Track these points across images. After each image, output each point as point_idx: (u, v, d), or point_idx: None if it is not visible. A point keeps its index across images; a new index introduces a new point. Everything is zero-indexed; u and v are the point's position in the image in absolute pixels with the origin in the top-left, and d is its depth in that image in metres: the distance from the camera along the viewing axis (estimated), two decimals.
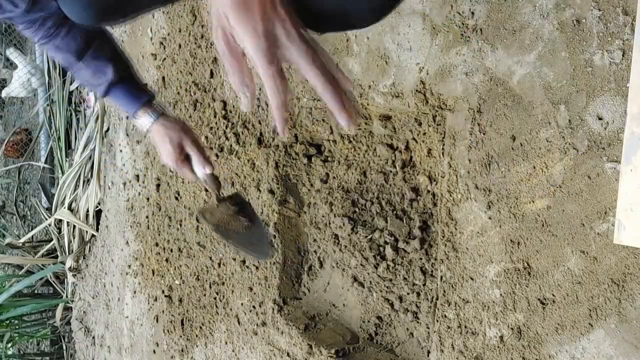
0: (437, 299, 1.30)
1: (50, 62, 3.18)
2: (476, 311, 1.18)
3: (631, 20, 0.95)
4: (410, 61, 1.30)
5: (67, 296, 3.16)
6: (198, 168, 1.24)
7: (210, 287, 1.96)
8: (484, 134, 1.17)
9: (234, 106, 1.84)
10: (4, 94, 3.53)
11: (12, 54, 3.38)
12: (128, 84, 1.25)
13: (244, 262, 1.82)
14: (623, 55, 0.96)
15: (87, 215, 2.84)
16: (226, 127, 1.88)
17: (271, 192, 1.72)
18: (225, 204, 1.30)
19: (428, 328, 1.38)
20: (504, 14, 1.12)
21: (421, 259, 1.41)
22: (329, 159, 1.64)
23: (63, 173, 3.11)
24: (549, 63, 1.05)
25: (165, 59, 2.14)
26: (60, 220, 3.03)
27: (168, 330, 2.16)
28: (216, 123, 1.92)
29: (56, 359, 3.36)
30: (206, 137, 1.96)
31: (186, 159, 1.24)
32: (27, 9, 1.07)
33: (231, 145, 1.86)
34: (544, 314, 1.07)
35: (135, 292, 2.40)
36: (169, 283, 2.16)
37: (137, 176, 2.38)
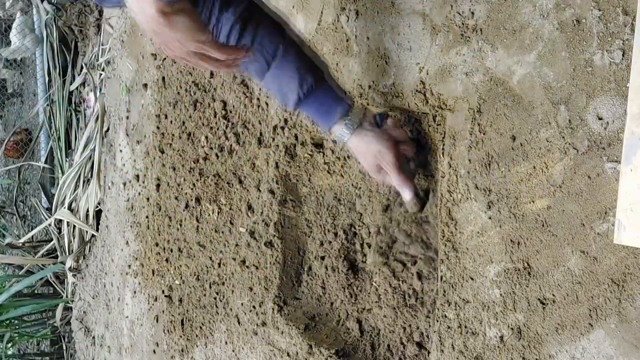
0: (437, 299, 1.30)
1: (50, 62, 3.18)
2: (476, 311, 1.18)
3: (631, 20, 0.95)
4: (410, 61, 1.30)
5: (67, 296, 3.16)
6: (403, 192, 1.18)
7: (210, 287, 1.96)
8: (484, 134, 1.17)
9: (234, 106, 1.84)
10: (5, 54, 3.50)
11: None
12: (317, 97, 1.12)
13: (243, 262, 1.82)
14: (623, 55, 0.96)
15: (87, 215, 2.84)
16: (226, 127, 1.88)
17: (271, 192, 1.72)
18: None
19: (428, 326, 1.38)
20: (504, 14, 1.12)
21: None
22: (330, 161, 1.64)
23: (63, 173, 3.11)
24: (549, 63, 1.06)
25: (165, 58, 2.14)
26: (60, 220, 3.03)
27: (168, 330, 2.16)
28: (216, 123, 1.92)
29: (56, 359, 3.36)
30: (206, 137, 1.96)
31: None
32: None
33: (231, 145, 1.86)
34: (544, 314, 1.07)
35: (135, 292, 2.40)
36: (169, 283, 2.16)
37: (137, 176, 2.38)
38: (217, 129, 1.91)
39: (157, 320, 2.24)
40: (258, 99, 1.74)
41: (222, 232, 1.91)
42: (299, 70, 1.09)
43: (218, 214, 1.92)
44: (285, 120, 1.66)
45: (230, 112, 1.88)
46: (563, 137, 1.04)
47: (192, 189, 2.02)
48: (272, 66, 1.09)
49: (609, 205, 0.98)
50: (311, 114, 1.16)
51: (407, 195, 1.20)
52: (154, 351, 2.27)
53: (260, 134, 1.76)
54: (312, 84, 1.10)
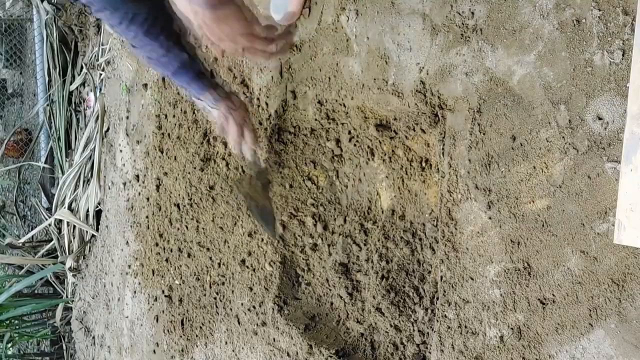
0: (437, 299, 1.30)
1: (50, 62, 3.18)
2: (476, 311, 1.18)
3: (631, 20, 0.95)
4: (410, 61, 1.30)
5: (67, 296, 3.16)
6: (248, 149, 1.45)
7: (210, 287, 1.96)
8: (484, 134, 1.16)
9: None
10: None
11: None
12: (194, 69, 1.34)
13: (243, 262, 1.82)
14: (623, 55, 0.96)
15: (87, 215, 2.84)
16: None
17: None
18: (254, 178, 1.58)
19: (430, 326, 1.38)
20: (504, 14, 1.12)
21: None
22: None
23: (63, 173, 3.11)
24: (549, 63, 1.05)
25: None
26: (60, 220, 3.03)
27: (168, 330, 2.16)
28: (215, 123, 1.92)
29: (56, 359, 3.36)
30: (204, 134, 1.96)
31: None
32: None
33: (230, 153, 1.86)
34: (544, 314, 1.07)
35: (135, 292, 2.40)
36: (169, 283, 2.16)
37: (137, 176, 2.38)
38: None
39: (157, 320, 2.24)
40: (258, 98, 1.74)
41: (223, 232, 1.91)
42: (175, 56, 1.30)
43: (221, 217, 1.92)
44: (284, 120, 1.66)
45: None
46: (563, 137, 1.04)
47: (192, 189, 2.02)
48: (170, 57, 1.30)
49: (609, 205, 0.98)
50: (187, 85, 1.38)
51: (250, 150, 1.47)
52: (154, 351, 2.26)
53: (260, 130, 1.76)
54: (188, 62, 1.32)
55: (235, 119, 1.40)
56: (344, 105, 1.51)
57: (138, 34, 1.22)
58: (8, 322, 3.21)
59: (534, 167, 1.08)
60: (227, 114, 1.39)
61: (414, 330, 1.42)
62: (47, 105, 3.25)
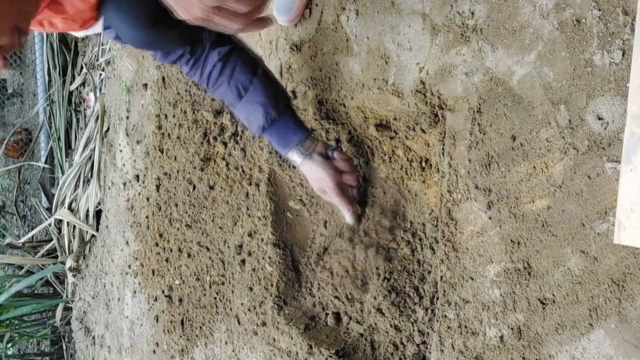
0: (437, 299, 1.30)
1: (50, 62, 3.18)
2: (476, 311, 1.18)
3: (631, 20, 0.95)
4: (410, 61, 1.30)
5: (67, 296, 3.16)
6: (343, 212, 1.41)
7: (210, 287, 1.96)
8: (484, 134, 1.17)
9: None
10: None
11: None
12: (278, 127, 1.32)
13: (243, 262, 1.82)
14: (623, 55, 0.96)
15: (87, 215, 2.85)
16: (224, 127, 1.88)
17: (269, 189, 1.72)
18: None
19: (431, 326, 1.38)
20: (504, 14, 1.12)
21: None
22: None
23: (63, 173, 3.11)
24: (549, 63, 1.06)
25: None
26: (60, 220, 3.03)
27: (168, 330, 2.16)
28: (215, 123, 1.92)
29: (56, 359, 3.37)
30: (204, 134, 1.96)
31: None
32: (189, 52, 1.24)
33: (230, 153, 1.86)
34: (544, 314, 1.07)
35: (135, 292, 2.40)
36: (169, 283, 2.16)
37: (137, 176, 2.38)
38: (216, 128, 1.91)
39: (157, 320, 2.24)
40: None
41: (223, 232, 1.91)
42: (264, 104, 1.30)
43: (221, 217, 1.92)
44: None
45: (231, 112, 1.88)
46: (563, 137, 1.04)
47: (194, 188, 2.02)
48: (244, 98, 1.30)
49: (609, 205, 0.98)
50: (271, 141, 1.37)
51: (346, 214, 1.43)
52: (154, 351, 2.27)
53: None
54: (275, 116, 1.31)
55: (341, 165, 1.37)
56: (344, 105, 1.51)
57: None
58: (8, 322, 3.21)
59: (534, 167, 1.08)
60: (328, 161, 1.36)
61: (414, 330, 1.42)
62: (47, 105, 3.25)
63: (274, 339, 1.68)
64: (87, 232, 2.89)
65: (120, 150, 2.54)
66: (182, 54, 1.29)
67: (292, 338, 1.62)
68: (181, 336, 2.09)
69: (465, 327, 1.19)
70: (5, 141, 3.63)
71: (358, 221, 1.49)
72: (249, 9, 0.95)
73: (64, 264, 2.97)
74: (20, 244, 3.17)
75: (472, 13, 1.17)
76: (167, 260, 2.17)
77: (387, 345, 1.48)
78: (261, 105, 1.29)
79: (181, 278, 2.09)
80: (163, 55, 1.30)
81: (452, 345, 1.21)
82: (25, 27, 0.85)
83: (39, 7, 0.92)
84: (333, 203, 1.43)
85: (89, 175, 2.83)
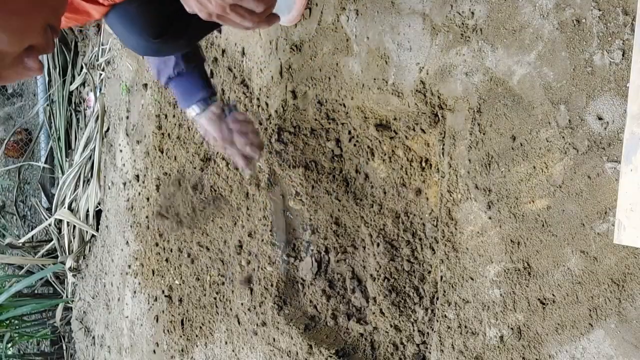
0: (437, 299, 1.30)
1: (50, 62, 3.18)
2: (476, 311, 1.18)
3: (631, 20, 0.95)
4: (410, 61, 1.30)
5: (67, 296, 3.16)
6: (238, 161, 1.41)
7: (210, 287, 1.96)
8: (484, 134, 1.16)
9: (234, 106, 1.84)
10: None
11: None
12: (184, 80, 1.34)
13: (243, 261, 1.82)
14: (623, 55, 0.96)
15: (87, 215, 2.84)
16: None
17: (269, 189, 1.72)
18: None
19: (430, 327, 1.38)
20: (504, 14, 1.12)
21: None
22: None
23: (63, 173, 3.11)
24: (549, 63, 1.05)
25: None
26: (60, 220, 3.03)
27: (168, 330, 2.16)
28: None
29: (56, 359, 3.36)
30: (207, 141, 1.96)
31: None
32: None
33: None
34: (544, 314, 1.07)
35: (135, 292, 2.40)
36: (169, 283, 2.16)
37: (137, 176, 2.38)
38: None
39: (157, 320, 2.24)
40: (258, 98, 1.74)
41: (223, 232, 1.91)
42: (177, 57, 1.30)
43: (221, 217, 1.92)
44: (284, 120, 1.66)
45: None
46: (563, 137, 1.04)
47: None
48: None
49: (609, 205, 0.98)
50: (175, 93, 1.38)
51: (239, 164, 1.42)
52: (154, 351, 2.26)
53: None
54: (182, 69, 1.32)
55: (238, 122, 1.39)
56: (344, 105, 1.51)
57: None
58: (8, 322, 3.21)
59: (534, 167, 1.08)
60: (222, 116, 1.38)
61: (414, 330, 1.42)
62: (47, 105, 3.25)
63: (274, 339, 1.68)
64: (87, 232, 2.89)
65: (120, 150, 2.54)
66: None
67: (292, 338, 1.62)
68: (181, 336, 2.09)
69: (465, 327, 1.19)
70: (5, 141, 3.63)
71: (253, 170, 1.54)
72: (264, 8, 0.96)
73: (64, 264, 2.97)
74: (20, 244, 3.16)
75: (472, 13, 1.17)
76: (167, 260, 2.17)
77: (387, 345, 1.48)
78: (174, 57, 1.31)
79: (181, 278, 2.09)
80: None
81: (452, 345, 1.21)
82: (57, 24, 0.82)
83: (67, 3, 0.89)
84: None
85: (89, 175, 2.83)
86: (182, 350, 2.08)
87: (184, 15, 0.99)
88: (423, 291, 1.43)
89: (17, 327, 3.31)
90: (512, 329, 1.12)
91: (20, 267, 3.30)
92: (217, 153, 1.92)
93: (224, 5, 0.92)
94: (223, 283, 1.90)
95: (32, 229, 3.35)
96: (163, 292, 2.19)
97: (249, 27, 0.98)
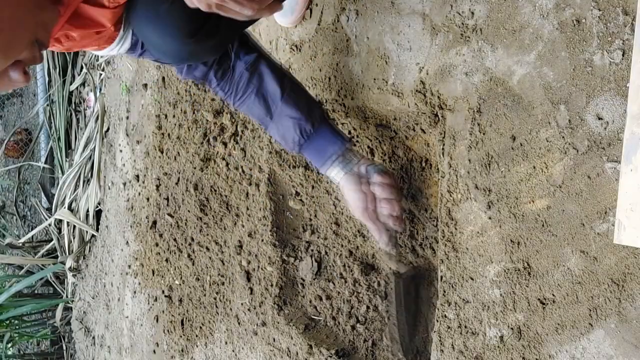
0: (437, 299, 1.30)
1: (50, 62, 3.18)
2: (476, 311, 1.18)
3: (631, 20, 0.95)
4: (410, 61, 1.30)
5: (67, 296, 3.16)
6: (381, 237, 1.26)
7: (210, 287, 1.96)
8: (484, 134, 1.17)
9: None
10: None
11: None
12: (315, 141, 1.23)
13: (243, 262, 1.82)
14: (623, 55, 0.96)
15: (87, 215, 2.84)
16: (224, 127, 1.88)
17: (269, 189, 1.72)
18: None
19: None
20: (504, 14, 1.12)
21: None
22: None
23: (63, 173, 3.11)
24: (549, 63, 1.06)
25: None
26: (60, 220, 3.03)
27: (168, 330, 2.16)
28: (215, 123, 1.92)
29: (56, 359, 3.36)
30: (204, 134, 1.96)
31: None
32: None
33: (230, 152, 1.86)
34: (544, 314, 1.07)
35: (135, 292, 2.40)
36: (169, 283, 2.16)
37: (137, 176, 2.38)
38: (216, 127, 1.91)
39: (157, 320, 2.24)
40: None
41: (223, 232, 1.91)
42: (297, 117, 1.21)
43: (221, 218, 1.92)
44: None
45: (230, 112, 1.88)
46: (563, 137, 1.04)
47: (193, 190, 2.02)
48: (275, 113, 1.21)
49: (609, 205, 0.98)
50: (309, 158, 1.27)
51: (381, 241, 1.29)
52: (154, 351, 2.27)
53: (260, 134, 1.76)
54: (310, 130, 1.22)
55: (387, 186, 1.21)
56: (344, 105, 1.51)
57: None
58: (8, 322, 3.21)
59: (534, 167, 1.08)
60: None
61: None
62: (47, 105, 3.25)
63: (274, 339, 1.68)
64: (87, 232, 2.89)
65: (120, 150, 2.54)
66: (209, 67, 1.20)
67: (292, 338, 1.62)
68: (181, 336, 2.09)
69: (465, 327, 1.19)
70: (5, 141, 3.63)
71: (394, 248, 1.32)
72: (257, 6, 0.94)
73: (64, 264, 2.97)
74: (20, 244, 3.16)
75: (472, 13, 1.17)
76: (167, 260, 2.17)
77: (388, 345, 1.48)
78: (294, 119, 1.21)
79: (181, 278, 2.09)
80: (188, 70, 1.21)
81: (452, 345, 1.21)
82: (46, 39, 0.81)
83: (58, 18, 0.87)
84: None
85: (89, 175, 2.83)
86: (182, 351, 2.08)
87: (213, 13, 0.95)
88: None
89: (17, 327, 3.31)
90: (512, 329, 1.12)
91: (20, 267, 3.30)
92: (217, 153, 1.92)
93: None
94: (223, 283, 1.90)
95: (32, 229, 3.35)
96: (163, 292, 2.19)
97: (250, 15, 0.95)
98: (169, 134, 2.16)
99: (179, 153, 2.09)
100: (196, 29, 1.06)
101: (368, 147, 1.53)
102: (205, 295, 1.98)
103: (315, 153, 1.24)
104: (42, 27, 0.79)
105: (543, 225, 1.07)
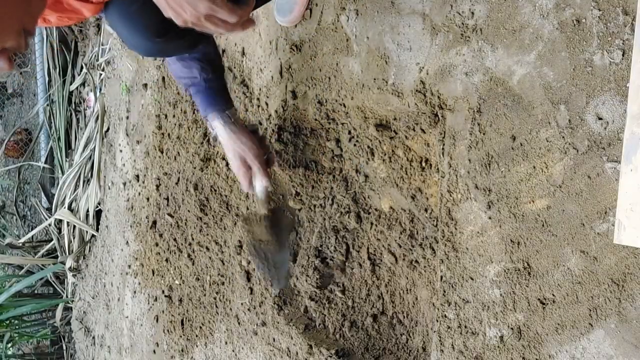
0: (437, 298, 1.30)
1: (50, 62, 3.18)
2: (476, 311, 1.18)
3: (631, 20, 0.95)
4: (410, 61, 1.30)
5: (67, 296, 3.16)
6: (256, 182, 1.39)
7: (210, 287, 1.96)
8: (484, 134, 1.17)
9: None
10: None
11: None
12: (210, 90, 1.33)
13: (243, 262, 1.82)
14: (623, 55, 0.96)
15: (87, 215, 2.84)
16: None
17: (270, 190, 1.72)
18: (267, 219, 1.48)
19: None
20: (504, 14, 1.12)
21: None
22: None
23: (63, 173, 3.11)
24: (549, 63, 1.06)
25: (164, 59, 2.14)
26: (60, 220, 3.03)
27: (168, 330, 2.16)
28: None
29: (56, 359, 3.36)
30: (204, 134, 1.96)
31: (249, 170, 1.38)
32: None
33: None
34: (544, 314, 1.07)
35: (135, 292, 2.40)
36: (169, 283, 2.16)
37: (137, 176, 2.38)
38: None
39: (157, 320, 2.24)
40: (258, 99, 1.74)
41: (223, 232, 1.91)
42: (203, 63, 1.31)
43: (221, 218, 1.92)
44: (284, 120, 1.66)
45: None
46: (563, 137, 1.04)
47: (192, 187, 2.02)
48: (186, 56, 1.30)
49: (609, 205, 0.98)
50: (197, 100, 1.37)
51: (263, 184, 1.41)
52: (154, 351, 2.26)
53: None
54: (208, 76, 1.32)
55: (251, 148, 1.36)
56: (344, 105, 1.51)
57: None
58: (8, 322, 3.21)
59: (534, 167, 1.08)
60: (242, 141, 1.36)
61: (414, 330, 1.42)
62: (47, 105, 3.24)
63: (274, 339, 1.68)
64: (87, 232, 2.89)
65: (120, 150, 2.54)
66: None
67: (292, 338, 1.62)
68: (181, 336, 2.09)
69: (465, 327, 1.19)
70: (5, 141, 3.63)
71: (268, 200, 1.48)
72: (237, 20, 0.98)
73: (64, 264, 2.97)
74: (20, 244, 3.16)
75: (472, 13, 1.17)
76: (167, 260, 2.17)
77: (388, 345, 1.48)
78: (198, 63, 1.31)
79: (181, 278, 2.09)
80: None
81: (452, 345, 1.21)
82: (32, 28, 0.84)
83: (44, 8, 0.91)
84: (250, 175, 1.43)
85: (89, 175, 2.83)
86: (182, 350, 2.08)
87: None
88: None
89: (17, 327, 3.31)
90: (512, 329, 1.12)
91: (20, 267, 3.30)
92: (217, 153, 1.92)
93: (198, 15, 0.94)
94: (223, 283, 1.90)
95: (32, 229, 3.35)
96: (163, 292, 2.19)
97: (223, 33, 1.02)
98: (169, 134, 2.16)
99: (179, 153, 2.09)
100: (165, 29, 1.12)
101: (368, 147, 1.53)
102: (205, 295, 1.98)
103: (203, 99, 1.35)
104: (29, 16, 0.82)
105: (543, 225, 1.07)
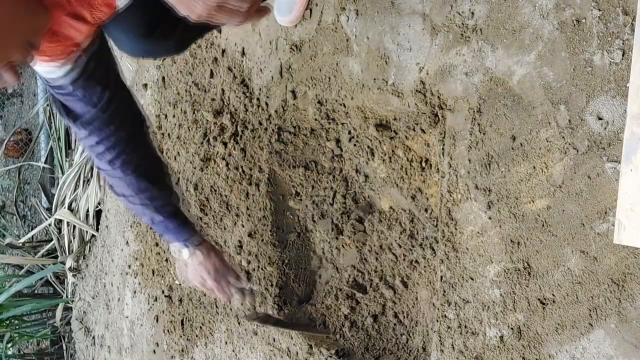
0: (437, 298, 1.30)
1: None
2: (476, 311, 1.18)
3: (631, 20, 0.95)
4: (410, 61, 1.30)
5: (67, 296, 3.16)
6: (237, 292, 1.40)
7: None
8: (484, 134, 1.17)
9: (234, 106, 1.84)
10: None
11: None
12: (168, 223, 1.35)
13: (243, 262, 1.82)
14: (623, 55, 0.96)
15: (87, 215, 2.84)
16: (224, 127, 1.88)
17: (269, 189, 1.72)
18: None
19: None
20: (504, 14, 1.12)
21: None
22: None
23: (63, 173, 3.10)
24: (549, 63, 1.06)
25: (165, 58, 2.14)
26: (60, 220, 3.02)
27: (168, 330, 2.16)
28: (215, 123, 1.92)
29: (56, 359, 3.36)
30: (204, 134, 1.96)
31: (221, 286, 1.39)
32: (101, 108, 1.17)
33: (230, 152, 1.86)
34: (544, 314, 1.07)
35: (135, 292, 2.40)
36: (169, 283, 2.16)
37: None
38: (216, 127, 1.91)
39: (157, 320, 2.24)
40: (258, 98, 1.74)
41: (223, 232, 1.91)
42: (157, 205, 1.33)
43: (221, 218, 1.92)
44: (284, 120, 1.67)
45: (230, 112, 1.88)
46: (563, 137, 1.04)
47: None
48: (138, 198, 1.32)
49: (609, 205, 0.98)
50: (159, 232, 1.40)
51: (240, 293, 1.43)
52: (154, 351, 2.26)
53: (260, 135, 1.76)
54: (163, 216, 1.34)
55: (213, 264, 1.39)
56: (344, 105, 1.51)
57: (115, 162, 1.25)
58: (8, 322, 3.20)
59: (534, 167, 1.08)
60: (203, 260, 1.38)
61: (414, 330, 1.42)
62: (47, 105, 3.24)
63: (274, 339, 1.68)
64: (87, 232, 2.88)
65: None
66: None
67: (292, 338, 1.62)
68: (181, 336, 2.09)
69: (465, 327, 1.19)
70: (5, 141, 3.63)
71: (251, 298, 1.51)
72: (249, 5, 0.98)
73: (64, 264, 2.97)
74: (20, 244, 3.16)
75: (472, 13, 1.17)
76: (167, 260, 2.17)
77: (387, 345, 1.48)
78: (153, 202, 1.33)
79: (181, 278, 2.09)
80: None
81: (452, 345, 1.21)
82: (37, 41, 0.85)
83: (49, 23, 0.91)
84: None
85: (89, 175, 2.83)
86: (182, 350, 2.08)
87: (172, 17, 1.01)
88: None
89: (17, 327, 3.31)
90: (512, 329, 1.12)
91: (20, 267, 3.30)
92: (217, 153, 1.92)
93: (209, 7, 0.94)
94: None
95: (32, 229, 3.35)
96: (163, 292, 2.19)
97: (239, 23, 1.00)
98: (169, 134, 2.16)
99: (179, 153, 2.09)
100: (150, 31, 1.17)
101: (368, 147, 1.53)
102: (205, 295, 1.98)
103: (165, 232, 1.38)
104: (34, 31, 0.83)
105: (543, 225, 1.07)
